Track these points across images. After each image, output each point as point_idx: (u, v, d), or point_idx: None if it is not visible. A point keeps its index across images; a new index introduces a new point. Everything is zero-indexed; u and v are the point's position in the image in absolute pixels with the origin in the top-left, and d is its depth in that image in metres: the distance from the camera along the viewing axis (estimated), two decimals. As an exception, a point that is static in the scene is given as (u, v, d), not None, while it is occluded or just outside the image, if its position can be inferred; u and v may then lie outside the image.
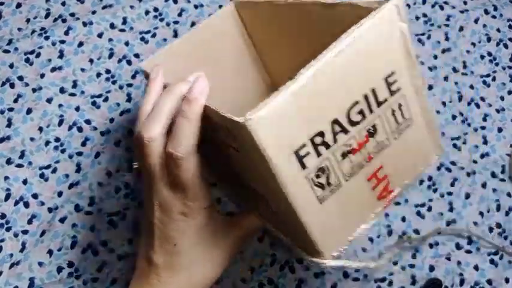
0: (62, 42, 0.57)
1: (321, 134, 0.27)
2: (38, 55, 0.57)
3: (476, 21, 0.65)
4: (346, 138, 0.28)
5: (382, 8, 0.27)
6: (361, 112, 0.27)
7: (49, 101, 0.56)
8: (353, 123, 0.27)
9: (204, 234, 0.34)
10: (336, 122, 0.27)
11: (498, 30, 0.65)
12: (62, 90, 0.56)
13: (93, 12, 0.59)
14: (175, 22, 0.60)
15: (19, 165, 0.54)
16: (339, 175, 0.28)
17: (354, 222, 0.30)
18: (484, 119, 0.62)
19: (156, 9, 0.60)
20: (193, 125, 0.30)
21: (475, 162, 0.60)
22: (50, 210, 0.53)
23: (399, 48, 0.27)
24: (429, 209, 0.58)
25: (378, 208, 0.31)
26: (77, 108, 0.56)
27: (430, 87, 0.61)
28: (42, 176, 0.54)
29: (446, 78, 0.62)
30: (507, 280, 0.57)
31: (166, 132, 0.32)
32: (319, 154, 0.27)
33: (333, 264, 0.30)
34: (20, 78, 0.56)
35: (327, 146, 0.27)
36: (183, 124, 0.30)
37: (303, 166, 0.27)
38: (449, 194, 0.59)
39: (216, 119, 0.28)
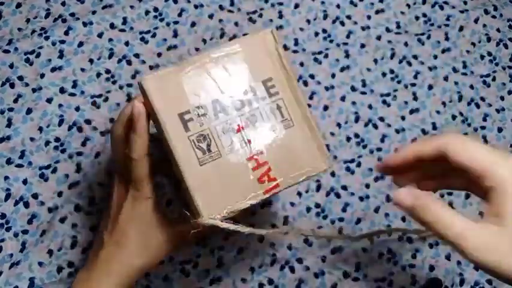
0: (62, 42, 0.57)
1: (204, 107, 0.35)
2: (38, 55, 0.57)
3: (476, 21, 0.65)
4: (227, 118, 0.35)
5: (261, 32, 0.37)
6: (240, 101, 0.36)
7: (49, 101, 0.56)
8: (234, 108, 0.35)
9: (145, 222, 0.40)
10: (217, 102, 0.35)
11: (498, 30, 0.65)
12: (62, 90, 0.56)
13: (93, 12, 0.59)
14: (176, 22, 0.60)
15: (19, 165, 0.54)
16: (220, 147, 0.35)
17: (233, 193, 0.35)
18: (484, 119, 0.62)
19: (156, 9, 0.60)
20: (139, 137, 0.37)
21: (475, 162, 0.60)
22: (50, 210, 0.53)
23: (277, 63, 0.36)
24: (429, 209, 0.58)
25: (258, 190, 0.35)
26: (77, 108, 0.56)
27: (430, 87, 0.62)
28: (42, 176, 0.54)
29: (446, 78, 0.62)
30: (507, 280, 0.57)
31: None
32: (201, 123, 0.35)
33: (209, 222, 0.34)
34: (20, 78, 0.56)
35: (209, 119, 0.35)
36: (133, 137, 0.38)
37: (186, 128, 0.34)
38: (449, 194, 0.59)
39: (152, 110, 0.36)
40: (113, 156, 0.42)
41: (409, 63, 0.62)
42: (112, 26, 0.59)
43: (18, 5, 0.59)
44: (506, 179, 0.30)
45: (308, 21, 0.62)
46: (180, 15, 0.60)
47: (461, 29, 0.64)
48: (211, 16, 0.61)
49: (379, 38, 0.62)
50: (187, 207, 0.36)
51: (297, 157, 0.36)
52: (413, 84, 0.61)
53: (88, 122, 0.56)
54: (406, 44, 0.62)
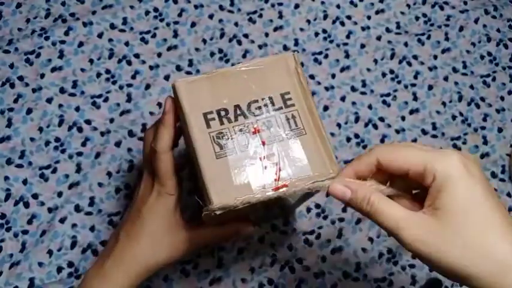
0: (62, 42, 0.57)
1: (225, 110, 0.39)
2: (38, 55, 0.57)
3: (476, 21, 0.65)
4: (245, 121, 0.39)
5: (284, 54, 0.42)
6: (259, 108, 0.40)
7: (49, 101, 0.56)
8: (252, 114, 0.39)
9: (165, 218, 0.42)
10: (238, 107, 0.39)
11: (498, 30, 0.65)
12: (62, 91, 0.56)
13: (93, 13, 0.59)
14: (176, 22, 0.60)
15: (19, 166, 0.54)
16: (236, 145, 0.38)
17: (243, 187, 0.37)
18: (484, 119, 0.62)
19: (156, 10, 0.60)
20: (166, 129, 0.41)
21: (475, 162, 0.60)
22: (50, 210, 0.53)
23: (295, 79, 0.41)
24: (429, 209, 0.58)
25: (267, 187, 0.38)
26: (77, 109, 0.56)
27: (430, 88, 0.62)
28: (42, 176, 0.54)
29: (446, 79, 0.62)
30: (507, 280, 0.57)
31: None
32: (222, 123, 0.39)
33: (219, 206, 0.37)
34: (20, 78, 0.56)
35: (229, 120, 0.39)
36: (160, 128, 0.41)
37: (208, 125, 0.38)
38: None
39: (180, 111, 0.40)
40: (144, 154, 0.45)
41: (409, 64, 0.62)
42: (112, 26, 0.59)
43: (18, 5, 0.59)
44: (443, 174, 0.31)
45: (308, 21, 0.62)
46: (180, 15, 0.60)
47: (461, 29, 0.64)
48: (211, 16, 0.61)
49: (379, 38, 0.62)
50: (201, 197, 0.39)
51: (306, 162, 0.39)
52: (413, 85, 0.61)
53: (88, 122, 0.56)
54: (406, 44, 0.62)
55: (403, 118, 0.60)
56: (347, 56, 0.61)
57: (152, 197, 0.42)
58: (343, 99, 0.60)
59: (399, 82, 0.61)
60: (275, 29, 0.61)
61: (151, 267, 0.42)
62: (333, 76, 0.61)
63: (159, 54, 0.59)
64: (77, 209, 0.53)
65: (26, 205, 0.53)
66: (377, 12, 0.63)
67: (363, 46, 0.62)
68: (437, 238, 0.30)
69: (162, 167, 0.41)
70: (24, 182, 0.54)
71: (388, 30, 0.63)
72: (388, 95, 0.61)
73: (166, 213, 0.42)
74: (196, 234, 0.44)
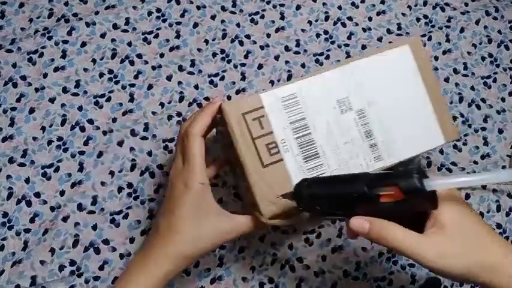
0: (65, 42, 0.58)
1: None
2: (41, 55, 0.57)
3: (477, 22, 0.65)
4: None
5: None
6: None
7: (52, 100, 0.56)
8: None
9: (198, 209, 0.43)
10: None
11: (499, 31, 0.65)
12: (65, 90, 0.57)
13: (96, 13, 0.59)
14: (178, 23, 0.60)
15: (21, 164, 0.54)
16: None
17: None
18: (485, 120, 0.62)
19: (158, 10, 0.60)
20: (205, 115, 0.44)
21: (475, 163, 0.60)
22: (52, 209, 0.53)
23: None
24: (429, 209, 0.58)
25: None
26: (80, 108, 0.56)
27: (431, 88, 0.62)
28: (44, 175, 0.54)
29: (447, 80, 0.62)
30: (507, 281, 0.57)
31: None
32: None
33: (269, 222, 0.42)
34: (23, 77, 0.56)
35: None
36: (200, 114, 0.44)
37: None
38: (450, 194, 0.59)
39: (222, 120, 0.43)
40: (178, 140, 0.46)
41: (410, 65, 0.62)
42: (115, 26, 0.59)
43: (21, 5, 0.59)
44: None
45: (310, 22, 0.62)
46: (182, 16, 0.60)
47: (462, 30, 0.64)
48: (213, 17, 0.61)
49: (380, 39, 0.63)
50: (251, 208, 0.43)
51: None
52: (414, 85, 0.62)
53: (90, 121, 0.56)
54: (407, 45, 0.63)
55: (403, 119, 0.60)
56: (348, 57, 0.62)
57: (182, 188, 0.43)
58: (344, 99, 0.60)
59: (400, 83, 0.62)
60: (277, 30, 0.61)
61: (194, 255, 0.43)
62: (334, 77, 0.61)
63: (162, 55, 0.59)
64: (80, 207, 0.54)
65: (29, 204, 0.53)
66: (378, 14, 0.64)
67: (364, 47, 0.62)
68: (449, 248, 0.36)
69: (194, 151, 0.43)
70: (27, 180, 0.54)
71: (389, 31, 0.63)
72: (389, 95, 0.61)
73: (200, 207, 0.43)
74: (234, 221, 0.44)
